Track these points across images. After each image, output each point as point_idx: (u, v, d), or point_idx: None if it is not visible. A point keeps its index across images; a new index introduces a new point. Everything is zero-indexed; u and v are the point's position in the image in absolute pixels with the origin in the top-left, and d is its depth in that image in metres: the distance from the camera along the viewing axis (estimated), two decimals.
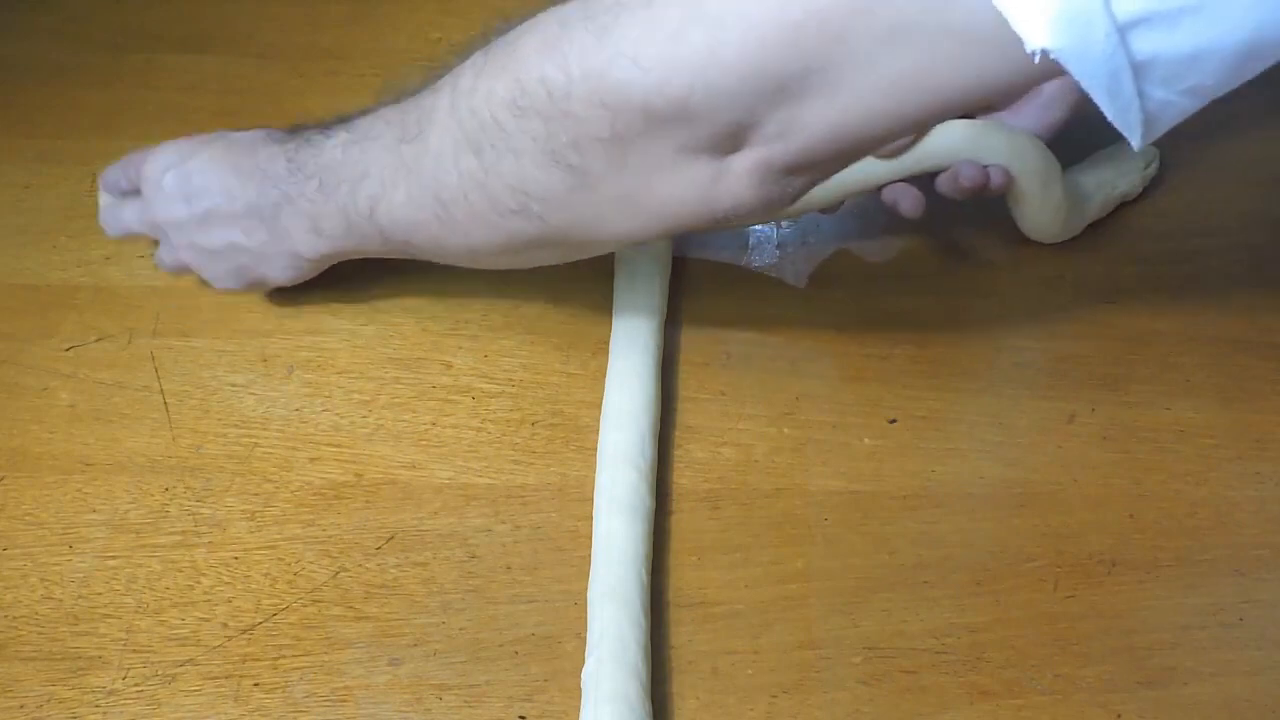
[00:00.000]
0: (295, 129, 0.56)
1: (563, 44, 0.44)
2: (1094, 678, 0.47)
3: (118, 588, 0.49)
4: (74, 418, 0.56)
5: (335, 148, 0.52)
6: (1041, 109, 0.60)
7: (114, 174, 0.60)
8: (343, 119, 0.54)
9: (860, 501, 0.52)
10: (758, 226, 0.65)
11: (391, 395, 0.57)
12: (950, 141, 0.57)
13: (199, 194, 0.56)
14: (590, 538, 0.50)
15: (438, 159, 0.48)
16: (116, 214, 0.60)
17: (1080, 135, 0.60)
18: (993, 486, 0.53)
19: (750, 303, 0.61)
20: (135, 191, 0.59)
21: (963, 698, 0.46)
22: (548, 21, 0.45)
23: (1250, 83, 0.38)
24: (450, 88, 0.48)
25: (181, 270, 0.60)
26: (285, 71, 0.76)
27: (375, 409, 0.56)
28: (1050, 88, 0.59)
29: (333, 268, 0.59)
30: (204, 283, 0.60)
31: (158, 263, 0.61)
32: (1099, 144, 0.65)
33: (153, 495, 0.53)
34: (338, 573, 0.50)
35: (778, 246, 0.64)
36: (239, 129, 0.58)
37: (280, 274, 0.58)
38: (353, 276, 0.63)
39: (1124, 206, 0.66)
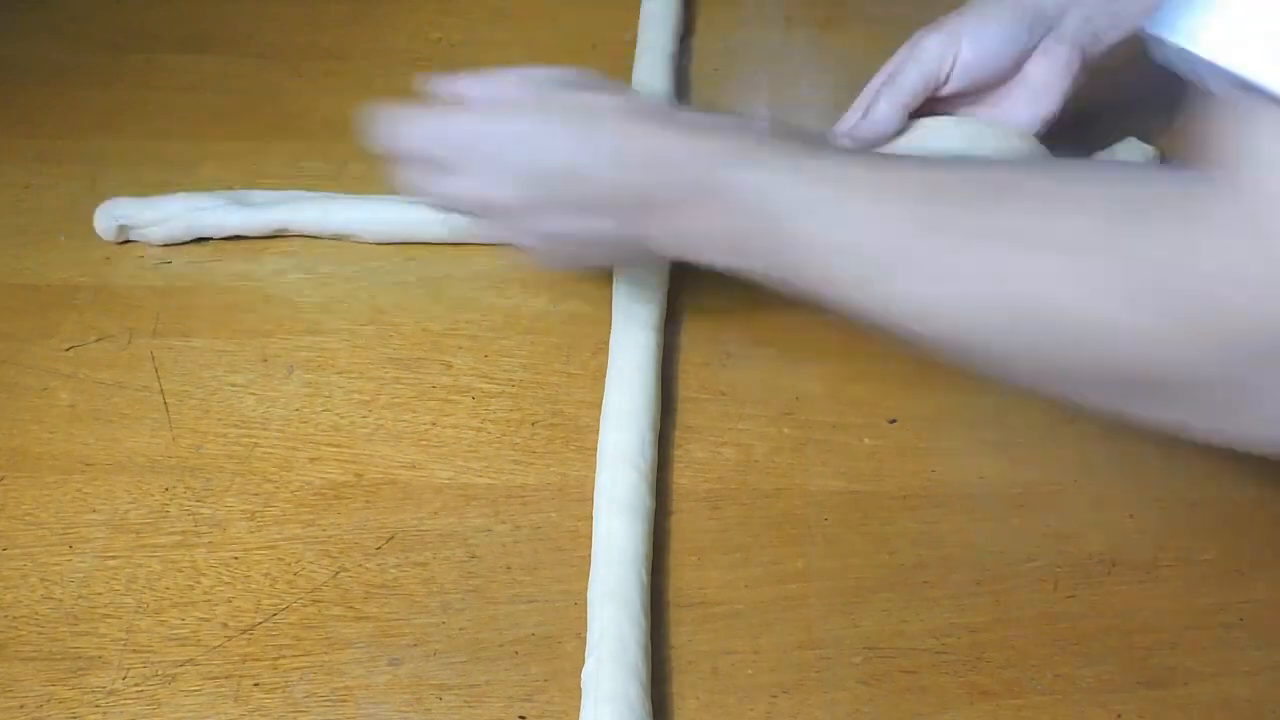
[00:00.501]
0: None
1: None
2: (1094, 678, 0.47)
3: (118, 588, 0.49)
4: (74, 418, 0.56)
5: (795, 201, 0.45)
6: (1032, 101, 0.59)
7: (416, 133, 0.52)
8: (808, 147, 0.46)
9: (860, 501, 0.52)
10: None
11: (391, 395, 0.57)
12: (943, 141, 0.57)
13: (549, 175, 0.49)
14: (590, 538, 0.50)
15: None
16: (436, 182, 0.52)
17: (1078, 134, 0.60)
18: (993, 486, 0.53)
19: (750, 303, 0.61)
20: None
21: (963, 698, 0.46)
22: None
23: None
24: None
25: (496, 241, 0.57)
26: (285, 71, 0.76)
27: (375, 409, 0.56)
28: (1039, 77, 0.59)
29: (333, 266, 0.59)
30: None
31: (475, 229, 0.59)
32: (1098, 142, 0.65)
33: (153, 495, 0.53)
34: (338, 573, 0.50)
35: None
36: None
37: (618, 254, 0.55)
38: (353, 276, 0.63)
39: None
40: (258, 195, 0.65)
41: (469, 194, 0.51)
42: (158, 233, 0.63)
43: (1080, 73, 0.59)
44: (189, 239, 0.64)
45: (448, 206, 0.55)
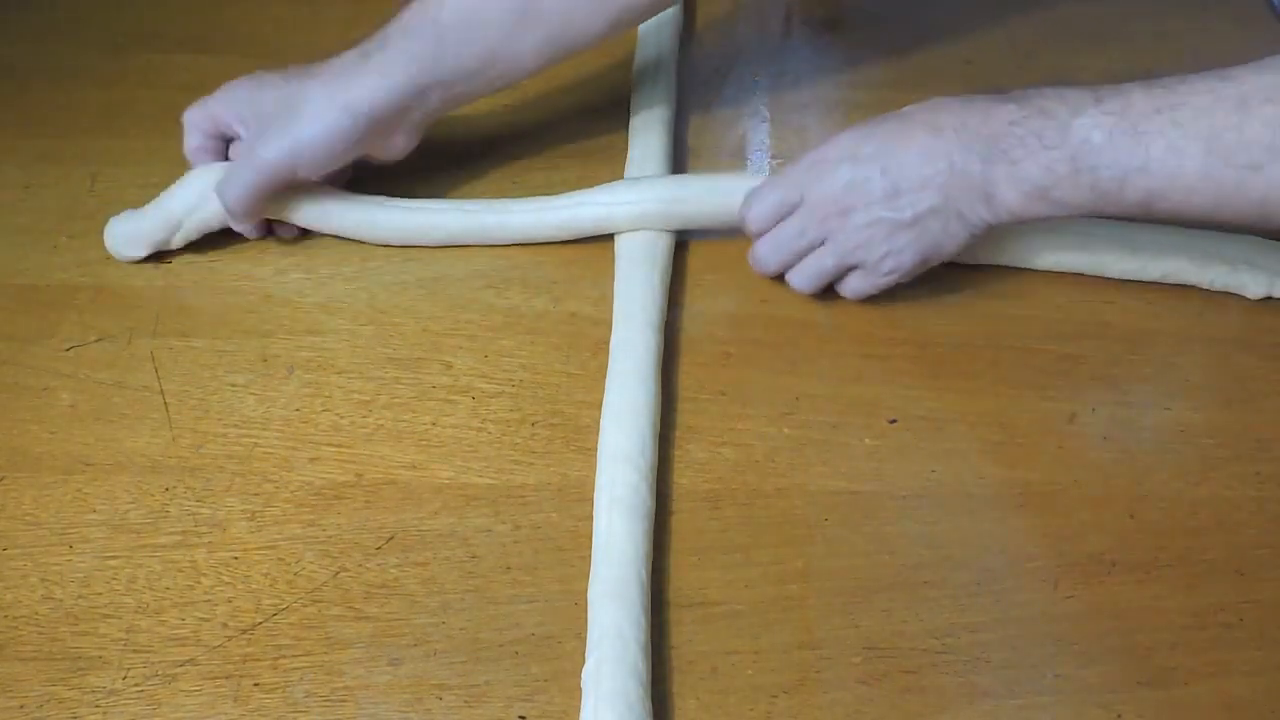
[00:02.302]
0: (1002, 98, 0.55)
1: None
2: (1094, 678, 0.47)
3: (118, 588, 0.49)
4: (74, 418, 0.56)
5: (1093, 129, 0.52)
6: None
7: (773, 195, 0.59)
8: (1093, 92, 0.53)
9: (860, 501, 0.52)
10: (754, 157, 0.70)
11: (391, 395, 0.57)
12: None
13: (892, 170, 0.56)
14: (590, 538, 0.50)
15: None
16: (806, 269, 0.60)
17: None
18: (993, 486, 0.53)
19: (750, 302, 0.61)
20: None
21: (963, 698, 0.46)
22: None
23: None
24: None
25: (874, 290, 0.60)
26: None
27: (375, 409, 0.56)
28: None
29: (333, 266, 0.59)
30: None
31: (848, 293, 0.60)
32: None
33: (153, 495, 0.53)
34: (338, 573, 0.50)
35: None
36: None
37: (957, 241, 0.58)
38: (353, 276, 0.63)
39: None
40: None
41: (838, 251, 0.59)
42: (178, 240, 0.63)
43: None
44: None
45: (822, 278, 0.60)
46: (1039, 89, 0.54)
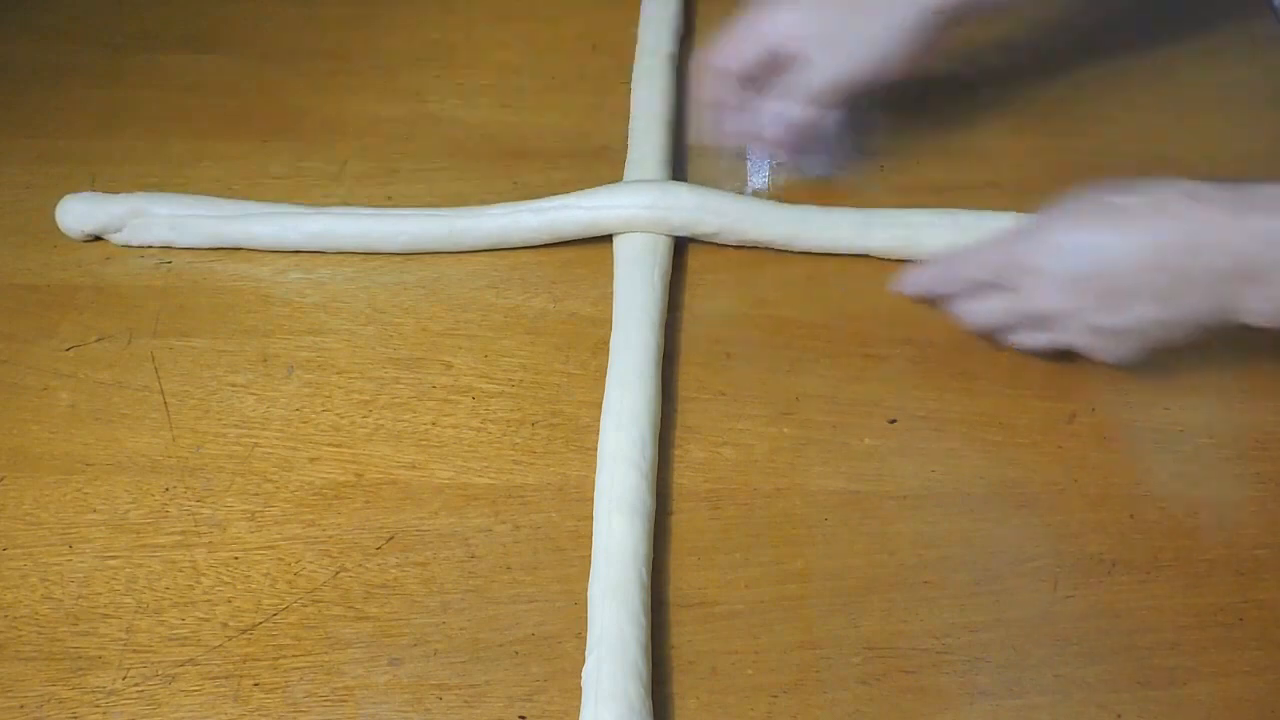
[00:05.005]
0: (1225, 188, 0.51)
1: None
2: (1094, 678, 0.47)
3: (118, 588, 0.49)
4: (74, 418, 0.56)
5: None
6: None
7: (968, 269, 0.56)
8: None
9: (860, 501, 0.52)
10: (754, 156, 0.69)
11: (391, 395, 0.57)
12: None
13: (1106, 274, 0.52)
14: (590, 538, 0.50)
15: None
16: (978, 307, 0.56)
17: None
18: (993, 486, 0.53)
19: (750, 302, 0.61)
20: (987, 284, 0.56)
21: (963, 698, 0.46)
22: None
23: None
24: None
25: (1050, 350, 0.56)
26: (285, 71, 0.76)
27: (375, 409, 0.56)
28: None
29: (332, 266, 0.59)
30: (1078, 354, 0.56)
31: (1022, 347, 0.57)
32: None
33: (153, 495, 0.53)
34: (338, 573, 0.50)
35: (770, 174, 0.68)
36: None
37: (1186, 338, 0.53)
38: (353, 276, 0.63)
39: None
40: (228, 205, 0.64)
41: (1019, 308, 0.55)
42: (121, 238, 0.64)
43: None
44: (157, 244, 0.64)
45: (996, 326, 0.57)
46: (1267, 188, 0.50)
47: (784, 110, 0.62)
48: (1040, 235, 0.53)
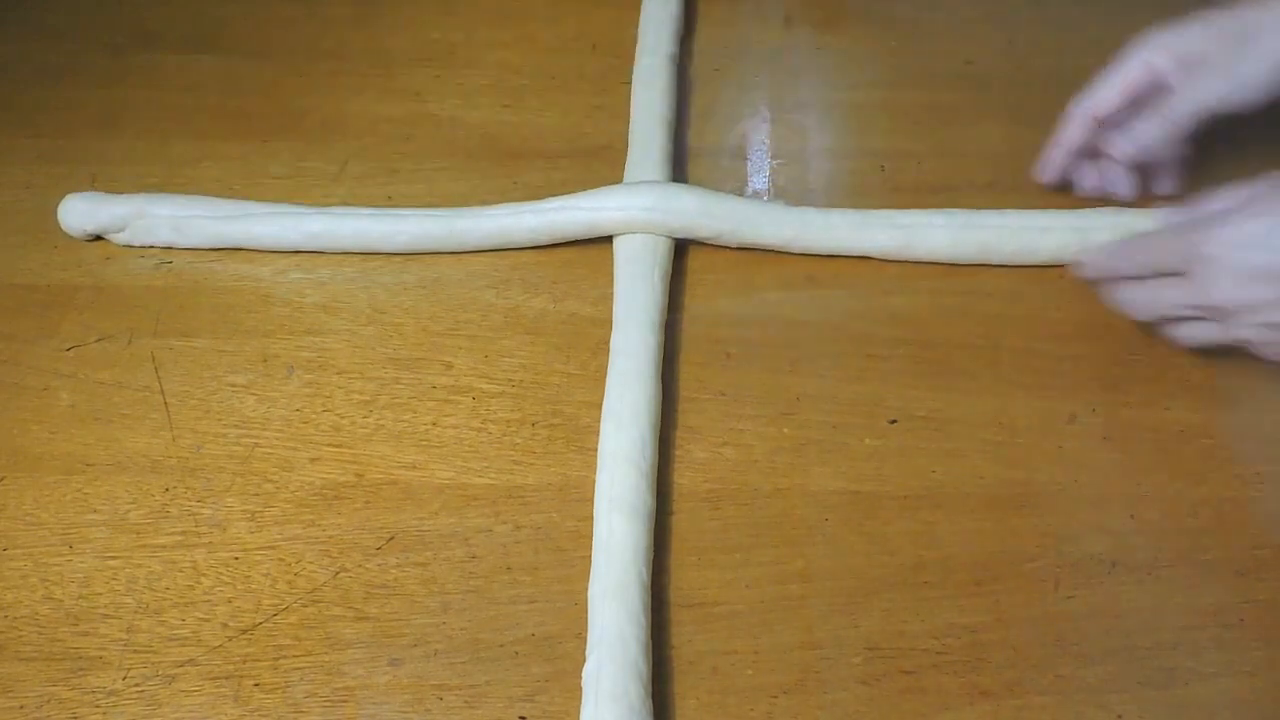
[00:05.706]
0: None
1: None
2: (1094, 678, 0.47)
3: (118, 588, 0.49)
4: (74, 418, 0.56)
5: None
6: None
7: (1143, 254, 0.56)
8: None
9: (860, 501, 0.52)
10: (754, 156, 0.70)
11: (391, 395, 0.57)
12: None
13: None
14: (590, 538, 0.50)
15: None
16: (1148, 295, 0.56)
17: None
18: (993, 486, 0.53)
19: (750, 302, 0.61)
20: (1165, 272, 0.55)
21: (963, 698, 0.46)
22: None
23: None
24: None
25: (1220, 345, 0.55)
26: (285, 71, 0.76)
27: (375, 409, 0.56)
28: None
29: (333, 266, 0.59)
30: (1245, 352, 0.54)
31: (1188, 340, 0.56)
32: None
33: (153, 495, 0.53)
34: (338, 573, 0.50)
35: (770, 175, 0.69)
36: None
37: None
38: (353, 276, 0.63)
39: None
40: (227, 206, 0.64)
41: (1191, 299, 0.53)
42: (123, 237, 0.64)
43: None
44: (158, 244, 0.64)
45: (1164, 315, 0.56)
46: None
47: (1143, 131, 0.62)
48: (1221, 223, 0.51)
